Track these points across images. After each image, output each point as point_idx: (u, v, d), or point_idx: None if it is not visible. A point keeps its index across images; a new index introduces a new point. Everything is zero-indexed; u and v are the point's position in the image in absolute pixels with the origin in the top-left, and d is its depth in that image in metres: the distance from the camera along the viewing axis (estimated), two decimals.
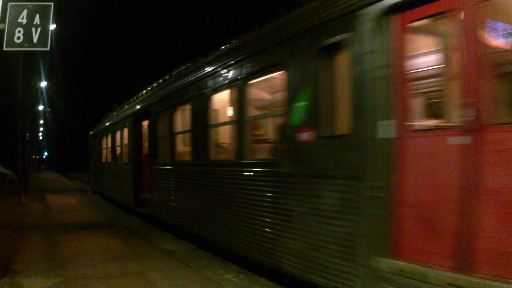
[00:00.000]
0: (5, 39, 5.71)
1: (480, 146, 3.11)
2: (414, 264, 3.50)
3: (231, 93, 6.37)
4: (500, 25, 3.19)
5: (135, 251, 7.38)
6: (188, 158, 8.01)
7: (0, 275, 5.52)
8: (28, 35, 5.73)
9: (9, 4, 5.73)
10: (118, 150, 14.87)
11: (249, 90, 5.96)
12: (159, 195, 9.69)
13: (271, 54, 5.27)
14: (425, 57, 3.82)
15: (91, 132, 22.04)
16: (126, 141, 13.46)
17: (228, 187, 6.34)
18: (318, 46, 4.42)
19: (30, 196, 18.14)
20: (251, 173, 5.75)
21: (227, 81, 6.39)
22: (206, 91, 7.07)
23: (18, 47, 5.82)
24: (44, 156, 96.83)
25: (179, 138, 8.74)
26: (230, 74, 6.27)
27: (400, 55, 3.67)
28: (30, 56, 21.79)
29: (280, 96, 5.23)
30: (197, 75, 7.48)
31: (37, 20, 5.76)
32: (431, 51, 3.78)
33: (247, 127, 6.02)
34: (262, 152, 6.07)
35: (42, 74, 36.34)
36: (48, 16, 5.82)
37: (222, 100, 6.93)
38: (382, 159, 3.71)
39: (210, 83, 6.94)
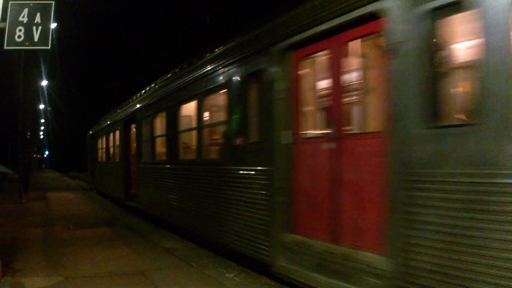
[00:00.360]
0: (6, 37, 5.78)
1: (341, 150, 4.46)
2: (305, 237, 4.89)
3: (193, 105, 7.85)
4: (352, 63, 4.55)
5: (136, 249, 7.48)
6: (163, 158, 9.55)
7: (1, 274, 5.56)
8: (29, 34, 5.81)
9: (10, 2, 5.82)
10: (111, 150, 16.52)
11: (206, 103, 7.42)
12: (143, 190, 11.26)
13: (218, 76, 6.72)
14: (312, 84, 5.16)
15: (89, 133, 23.77)
16: (117, 142, 15.09)
17: (192, 182, 7.79)
18: (246, 73, 5.84)
19: (31, 195, 18.62)
20: (207, 170, 7.17)
21: (190, 95, 7.87)
22: (176, 102, 8.60)
23: (19, 46, 5.90)
24: (45, 155, 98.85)
25: (158, 141, 10.27)
26: (192, 89, 7.74)
27: (296, 81, 5.07)
28: (31, 55, 21.97)
29: (225, 109, 6.62)
30: (170, 88, 9.03)
31: (38, 18, 5.85)
32: (315, 79, 5.13)
33: (204, 134, 7.49)
34: (215, 154, 7.47)
35: (43, 73, 36.75)
36: (49, 15, 5.93)
37: (187, 111, 8.39)
38: (284, 159, 5.10)
39: (179, 96, 8.46)
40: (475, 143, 3.10)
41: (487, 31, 3.02)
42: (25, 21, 5.83)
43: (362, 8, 4.01)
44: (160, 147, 10.04)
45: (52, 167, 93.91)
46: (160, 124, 10.03)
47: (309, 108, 5.11)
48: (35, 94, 36.55)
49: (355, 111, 4.48)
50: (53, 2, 5.97)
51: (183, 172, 8.29)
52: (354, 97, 4.51)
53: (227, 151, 6.50)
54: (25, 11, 5.84)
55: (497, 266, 2.93)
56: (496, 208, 2.97)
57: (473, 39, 3.19)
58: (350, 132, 4.44)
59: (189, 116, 8.29)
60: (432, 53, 3.43)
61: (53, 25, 8.29)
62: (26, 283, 5.43)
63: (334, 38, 4.48)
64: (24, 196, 16.90)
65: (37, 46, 5.94)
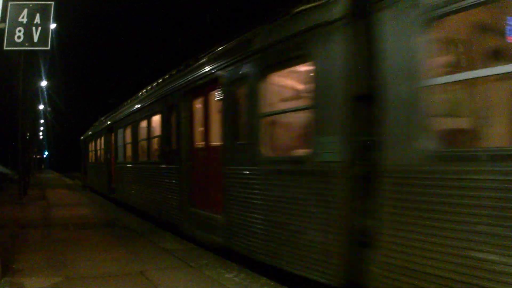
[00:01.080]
0: (5, 38, 6.01)
1: (209, 155, 7.95)
2: (196, 209, 8.41)
3: (145, 122, 11.75)
4: (212, 105, 7.83)
5: (135, 250, 7.87)
6: (130, 159, 13.54)
7: (0, 274, 5.74)
8: (28, 35, 6.03)
9: (10, 3, 6.06)
10: (98, 153, 20.80)
11: (152, 122, 11.24)
12: (119, 184, 15.31)
13: (157, 104, 10.55)
14: (201, 115, 8.51)
15: (82, 138, 28.35)
16: (102, 146, 19.26)
17: (145, 177, 11.59)
18: (169, 105, 9.54)
19: (31, 196, 19.76)
20: (153, 168, 10.84)
21: (144, 115, 11.76)
22: (137, 119, 12.54)
23: (18, 46, 6.14)
24: (44, 156, 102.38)
25: (127, 146, 14.18)
26: (145, 111, 11.64)
27: (192, 112, 8.63)
28: (30, 56, 22.45)
29: (160, 127, 10.34)
30: (134, 109, 13.03)
31: (37, 19, 6.09)
32: (200, 112, 8.49)
33: (151, 142, 11.31)
34: (156, 157, 11.09)
35: (43, 73, 37.87)
36: (49, 16, 6.17)
37: (143, 126, 12.19)
38: (186, 160, 8.66)
39: (139, 114, 12.37)
40: (248, 152, 6.28)
41: (247, 95, 6.24)
42: (24, 22, 6.06)
43: (210, 75, 7.50)
44: (128, 151, 13.97)
45: (52, 167, 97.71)
46: (128, 134, 13.98)
47: (199, 129, 8.61)
48: (34, 94, 37.38)
49: (214, 132, 7.87)
50: (53, 3, 6.26)
51: (141, 170, 12.16)
52: (214, 124, 7.95)
53: (161, 155, 10.22)
54: (25, 11, 6.09)
55: (260, 218, 5.98)
56: (255, 186, 6.10)
57: (249, 99, 6.34)
58: (212, 144, 7.94)
59: (143, 129, 12.10)
60: (231, 105, 6.79)
61: (53, 26, 8.76)
62: (26, 283, 5.63)
63: (203, 89, 8.06)
64: (24, 197, 17.88)
65: (36, 46, 6.22)
